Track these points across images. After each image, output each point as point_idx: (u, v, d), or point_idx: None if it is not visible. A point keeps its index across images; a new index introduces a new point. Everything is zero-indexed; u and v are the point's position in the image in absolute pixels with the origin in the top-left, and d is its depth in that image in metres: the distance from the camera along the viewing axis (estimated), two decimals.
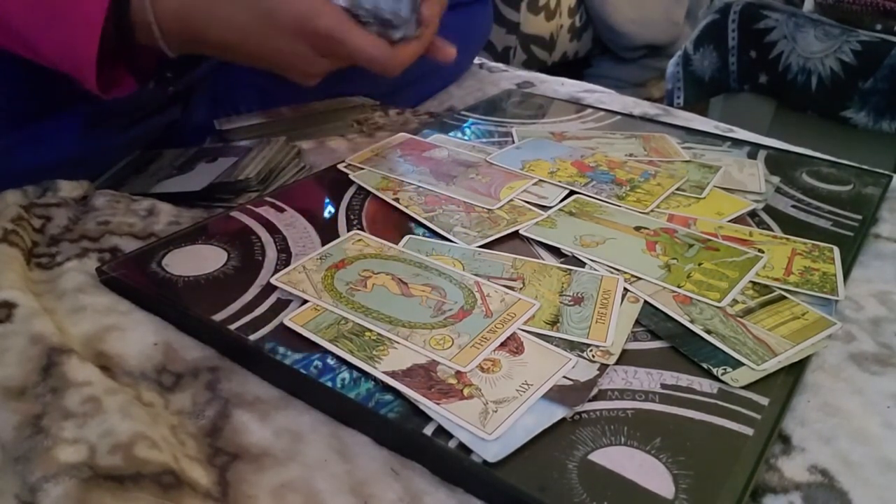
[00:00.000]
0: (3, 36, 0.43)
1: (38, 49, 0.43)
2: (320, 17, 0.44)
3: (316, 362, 0.35)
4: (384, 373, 0.34)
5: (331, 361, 0.35)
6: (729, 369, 0.36)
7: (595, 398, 0.34)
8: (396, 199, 0.51)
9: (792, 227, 0.50)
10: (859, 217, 0.52)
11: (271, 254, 0.44)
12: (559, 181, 0.54)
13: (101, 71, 0.43)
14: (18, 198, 0.47)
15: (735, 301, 0.41)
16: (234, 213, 0.49)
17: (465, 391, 0.33)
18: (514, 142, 0.62)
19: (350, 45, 0.45)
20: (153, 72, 0.48)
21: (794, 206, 0.53)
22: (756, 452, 0.31)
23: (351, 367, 0.35)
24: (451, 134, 0.64)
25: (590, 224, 0.48)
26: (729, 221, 0.50)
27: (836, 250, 0.47)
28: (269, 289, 0.41)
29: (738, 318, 0.39)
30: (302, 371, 0.35)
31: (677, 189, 0.53)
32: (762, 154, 0.62)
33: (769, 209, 0.52)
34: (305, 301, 0.39)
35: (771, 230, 0.50)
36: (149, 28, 0.44)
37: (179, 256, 0.44)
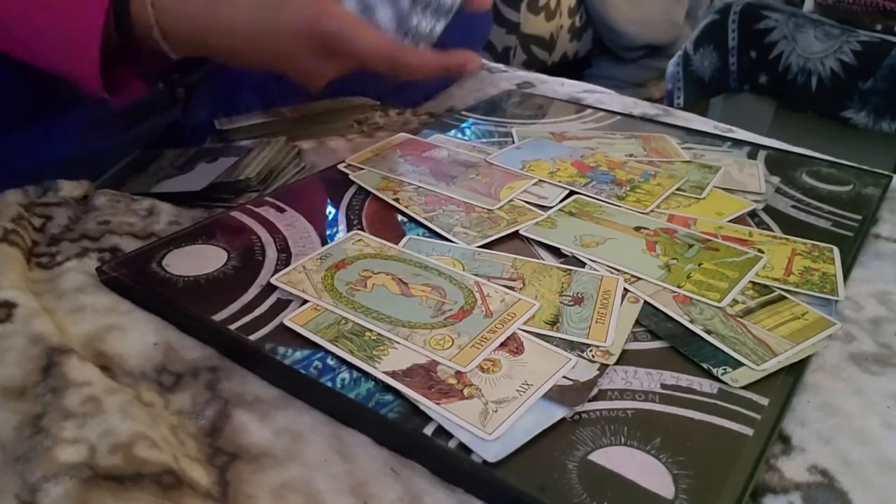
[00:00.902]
0: (7, 43, 0.43)
1: (42, 56, 0.43)
2: (327, 18, 0.44)
3: (316, 362, 0.35)
4: (384, 373, 0.34)
5: (331, 361, 0.35)
6: (729, 369, 0.36)
7: (595, 398, 0.34)
8: (396, 199, 0.51)
9: (792, 227, 0.50)
10: (859, 217, 0.52)
11: (271, 254, 0.44)
12: (559, 181, 0.54)
13: (106, 75, 0.43)
14: (19, 197, 0.47)
15: (735, 301, 0.41)
16: (234, 213, 0.49)
17: (465, 391, 0.33)
18: (514, 142, 0.62)
19: (358, 44, 0.45)
20: (159, 73, 0.48)
21: (794, 207, 0.53)
22: (756, 452, 0.31)
23: (351, 367, 0.35)
24: (451, 134, 0.64)
25: (590, 224, 0.48)
26: (729, 221, 0.50)
27: (836, 250, 0.47)
28: (269, 289, 0.41)
29: (738, 318, 0.39)
30: (302, 371, 0.35)
31: (677, 189, 0.53)
32: (762, 154, 0.62)
33: (769, 209, 0.52)
34: (305, 301, 0.39)
35: (771, 230, 0.50)
36: (149, 29, 0.43)
37: (179, 256, 0.44)
